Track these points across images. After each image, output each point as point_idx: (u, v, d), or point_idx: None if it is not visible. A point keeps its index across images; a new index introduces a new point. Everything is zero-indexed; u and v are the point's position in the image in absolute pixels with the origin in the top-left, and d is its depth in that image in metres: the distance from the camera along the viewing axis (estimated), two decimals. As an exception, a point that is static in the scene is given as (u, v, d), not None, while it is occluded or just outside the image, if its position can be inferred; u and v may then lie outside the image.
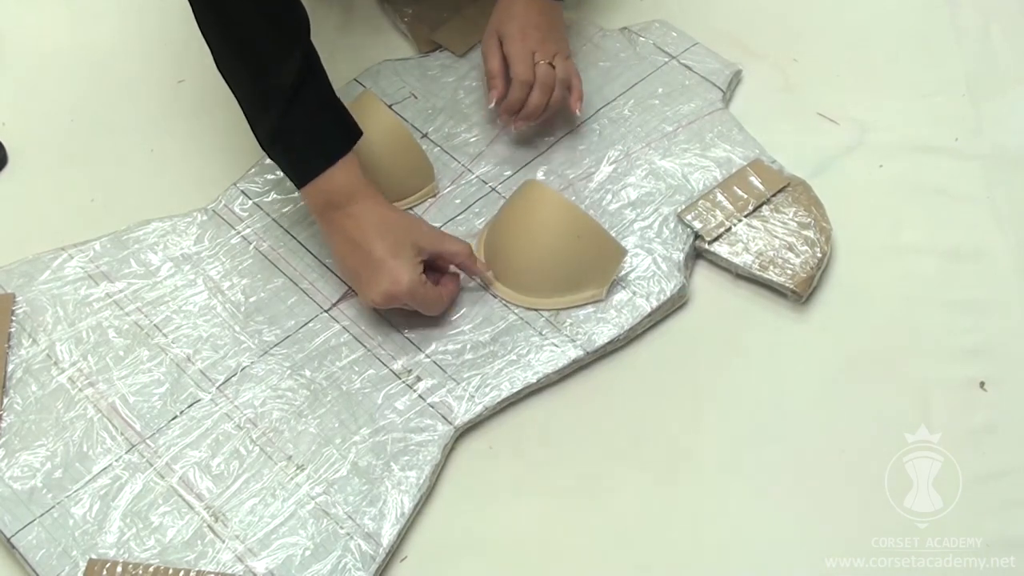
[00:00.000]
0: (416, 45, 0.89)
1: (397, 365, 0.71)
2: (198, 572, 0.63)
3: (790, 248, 0.75)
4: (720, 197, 0.77)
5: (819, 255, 0.75)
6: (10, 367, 0.70)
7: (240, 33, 0.67)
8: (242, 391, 0.70)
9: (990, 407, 0.71)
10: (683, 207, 0.77)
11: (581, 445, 0.70)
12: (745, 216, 0.76)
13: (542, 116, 0.78)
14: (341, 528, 0.65)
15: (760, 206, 0.77)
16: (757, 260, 0.75)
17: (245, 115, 0.70)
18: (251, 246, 0.76)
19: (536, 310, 0.73)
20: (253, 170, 0.80)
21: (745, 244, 0.75)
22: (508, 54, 0.77)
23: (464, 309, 0.73)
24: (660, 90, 0.84)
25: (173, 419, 0.69)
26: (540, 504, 0.68)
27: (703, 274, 0.77)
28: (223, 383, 0.70)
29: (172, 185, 0.81)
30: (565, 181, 0.79)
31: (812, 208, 0.77)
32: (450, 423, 0.69)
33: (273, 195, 0.79)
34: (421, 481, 0.67)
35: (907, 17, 0.92)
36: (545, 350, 0.71)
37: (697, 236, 0.76)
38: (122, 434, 0.68)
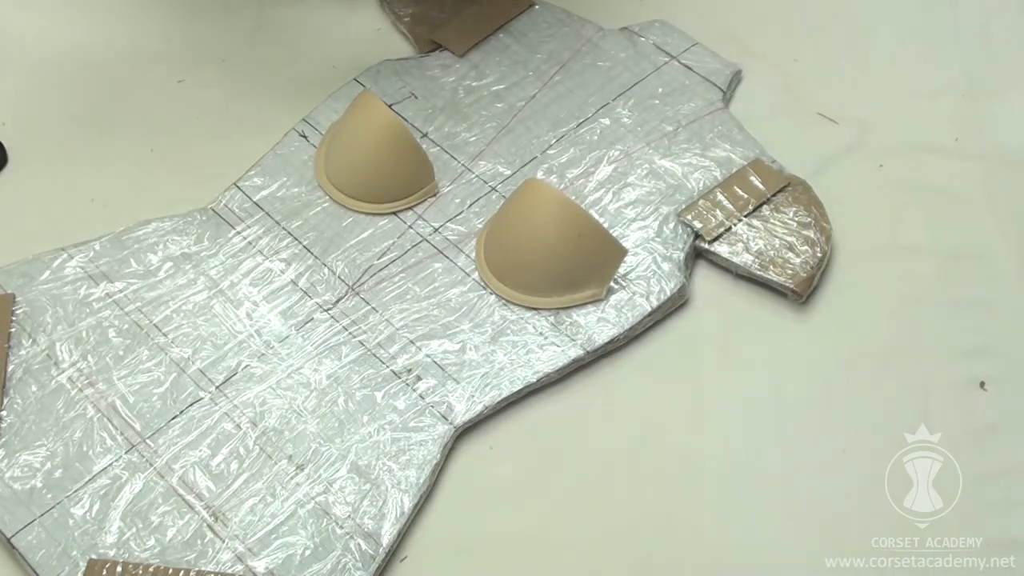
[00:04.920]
0: (416, 45, 0.89)
1: (397, 365, 0.71)
2: (198, 572, 0.63)
3: (790, 248, 0.75)
4: (720, 197, 0.77)
5: (819, 255, 0.75)
6: (10, 367, 0.70)
7: None
8: (242, 391, 0.70)
9: (990, 407, 0.71)
10: (683, 207, 0.77)
11: (581, 445, 0.70)
12: (745, 216, 0.77)
13: None
14: (341, 528, 0.65)
15: (760, 206, 0.77)
16: (757, 260, 0.75)
17: None
18: (251, 246, 0.76)
19: (536, 309, 0.73)
20: (253, 170, 0.80)
21: (745, 244, 0.75)
22: None
23: (464, 308, 0.73)
24: (660, 90, 0.85)
25: (173, 419, 0.69)
26: (540, 504, 0.68)
27: (703, 274, 0.77)
28: (223, 383, 0.70)
29: (172, 185, 0.81)
30: (565, 181, 0.79)
31: (812, 208, 0.77)
32: (450, 423, 0.69)
33: (273, 195, 0.79)
34: (421, 481, 0.67)
35: (907, 17, 0.92)
36: (545, 349, 0.71)
37: (697, 236, 0.76)
38: (122, 434, 0.68)
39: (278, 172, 0.80)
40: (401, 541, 0.66)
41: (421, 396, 0.70)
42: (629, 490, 0.68)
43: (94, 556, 0.63)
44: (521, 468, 0.69)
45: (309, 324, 0.73)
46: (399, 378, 0.71)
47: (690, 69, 0.86)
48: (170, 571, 0.63)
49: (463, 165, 0.81)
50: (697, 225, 0.76)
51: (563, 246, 0.71)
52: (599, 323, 0.73)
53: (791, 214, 0.77)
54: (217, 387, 0.70)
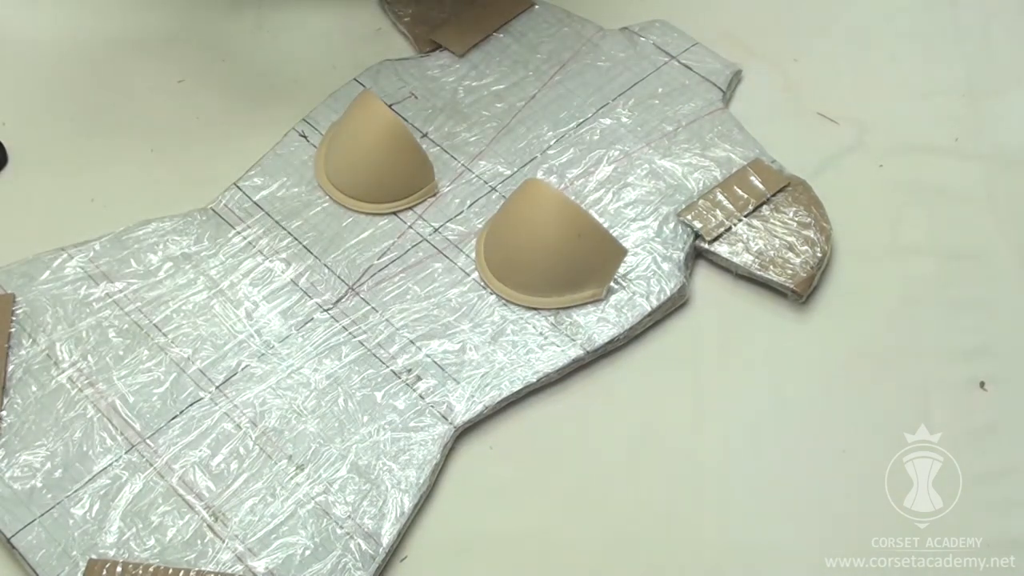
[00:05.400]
0: (416, 45, 0.89)
1: (397, 365, 0.71)
2: (198, 572, 0.63)
3: (790, 248, 0.75)
4: (720, 197, 0.77)
5: (819, 255, 0.75)
6: (10, 367, 0.70)
7: None
8: (242, 391, 0.70)
9: (990, 407, 0.71)
10: (683, 207, 0.77)
11: (581, 445, 0.70)
12: (745, 216, 0.77)
13: None
14: (341, 528, 0.65)
15: (760, 206, 0.77)
16: (757, 260, 0.75)
17: None
18: (251, 246, 0.76)
19: (536, 309, 0.73)
20: (253, 170, 0.80)
21: (745, 244, 0.75)
22: None
23: (464, 308, 0.73)
24: (660, 90, 0.85)
25: (173, 419, 0.69)
26: (540, 504, 0.68)
27: (703, 274, 0.77)
28: (223, 383, 0.70)
29: (172, 185, 0.81)
30: (565, 181, 0.79)
31: (812, 208, 0.77)
32: (450, 423, 0.69)
33: (273, 195, 0.79)
34: (421, 480, 0.67)
35: (907, 17, 0.92)
36: (545, 349, 0.71)
37: (697, 236, 0.76)
38: (122, 434, 0.68)
39: (278, 172, 0.80)
40: (401, 541, 0.66)
41: (421, 396, 0.70)
42: (629, 490, 0.68)
43: (94, 556, 0.63)
44: (521, 468, 0.69)
45: (309, 324, 0.73)
46: (399, 378, 0.71)
47: (690, 69, 0.86)
48: (170, 571, 0.63)
49: (463, 165, 0.81)
50: (697, 225, 0.76)
51: (563, 246, 0.71)
52: (599, 323, 0.73)
53: (791, 214, 0.77)
54: (217, 387, 0.70)
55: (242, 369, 0.71)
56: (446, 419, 0.69)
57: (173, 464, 0.67)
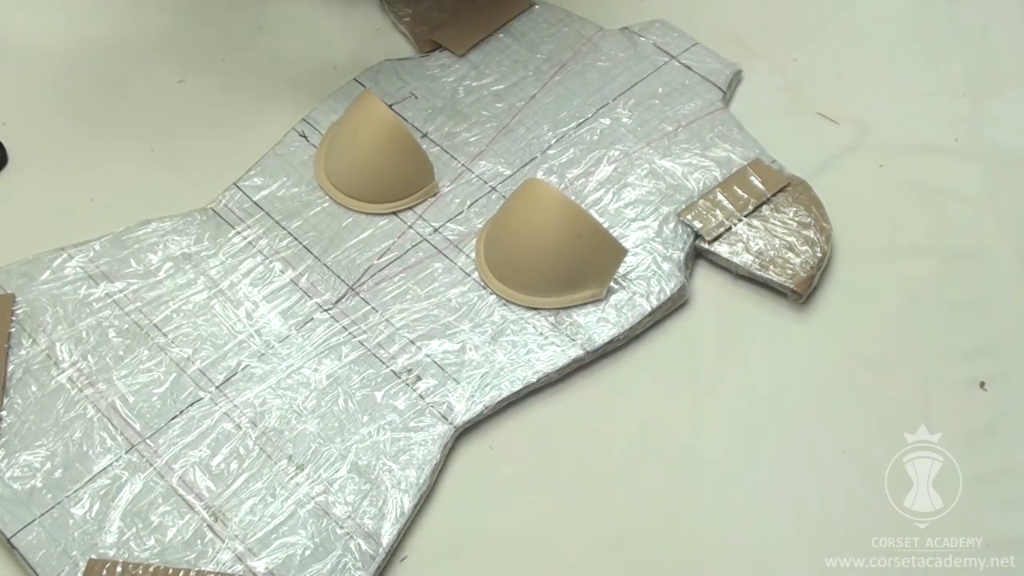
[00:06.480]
0: (416, 45, 0.89)
1: (397, 365, 0.71)
2: (198, 572, 0.63)
3: (790, 248, 0.75)
4: (720, 197, 0.77)
5: (819, 255, 0.75)
6: (10, 367, 0.70)
7: None
8: (242, 391, 0.70)
9: (990, 407, 0.71)
10: (683, 207, 0.77)
11: (581, 445, 0.70)
12: (745, 216, 0.77)
13: None
14: (341, 528, 0.65)
15: (760, 206, 0.77)
16: (757, 260, 0.75)
17: None
18: (251, 246, 0.76)
19: (536, 309, 0.73)
20: (253, 170, 0.80)
21: (745, 244, 0.75)
22: None
23: (464, 308, 0.73)
24: (660, 90, 0.85)
25: (173, 419, 0.69)
26: (540, 504, 0.68)
27: (703, 274, 0.77)
28: (223, 383, 0.70)
29: (172, 185, 0.81)
30: (565, 181, 0.79)
31: (812, 208, 0.77)
32: (450, 423, 0.69)
33: (273, 195, 0.79)
34: (421, 480, 0.67)
35: (907, 17, 0.92)
36: (545, 349, 0.71)
37: (697, 236, 0.76)
38: (122, 434, 0.68)
39: (278, 172, 0.80)
40: (401, 541, 0.66)
41: (421, 396, 0.70)
42: (629, 490, 0.68)
43: (94, 556, 0.63)
44: (521, 468, 0.69)
45: (309, 324, 0.73)
46: (399, 378, 0.71)
47: (690, 69, 0.86)
48: (170, 571, 0.63)
49: (463, 165, 0.81)
50: (697, 225, 0.76)
51: (563, 246, 0.71)
52: (599, 323, 0.73)
53: (791, 214, 0.77)
54: (217, 387, 0.70)
55: (242, 369, 0.71)
56: (446, 419, 0.69)
57: (173, 464, 0.67)
